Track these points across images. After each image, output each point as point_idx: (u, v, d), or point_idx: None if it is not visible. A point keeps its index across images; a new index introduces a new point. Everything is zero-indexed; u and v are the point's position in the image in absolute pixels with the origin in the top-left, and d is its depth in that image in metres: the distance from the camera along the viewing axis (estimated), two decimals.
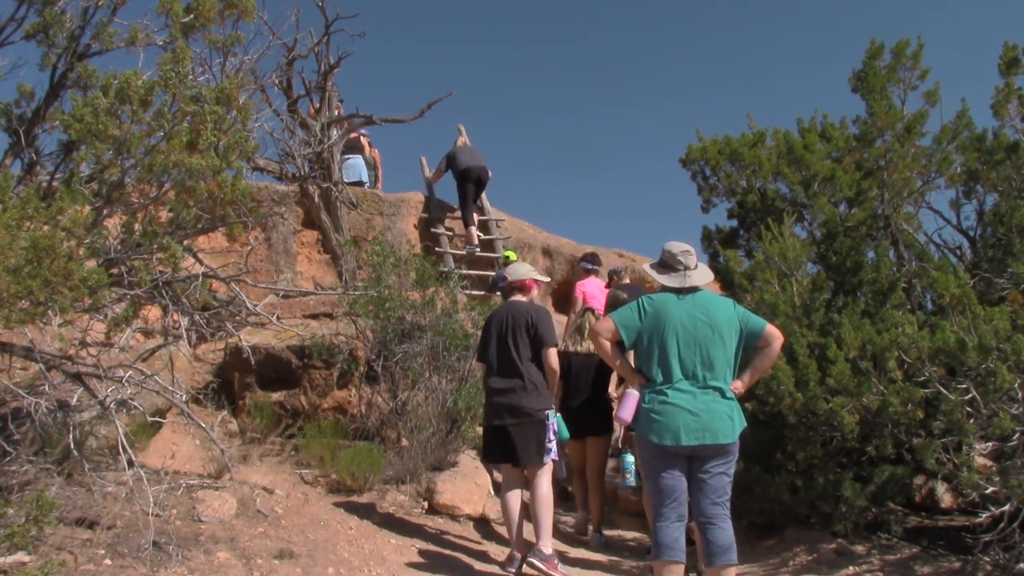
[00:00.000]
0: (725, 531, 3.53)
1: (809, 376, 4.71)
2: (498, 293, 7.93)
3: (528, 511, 4.58)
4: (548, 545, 4.40)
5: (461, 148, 9.31)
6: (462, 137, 9.54)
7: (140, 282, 3.87)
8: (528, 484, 4.54)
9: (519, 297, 4.85)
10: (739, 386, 3.77)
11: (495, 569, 4.54)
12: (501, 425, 4.50)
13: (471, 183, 9.10)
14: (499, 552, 4.87)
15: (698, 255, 4.18)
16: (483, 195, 9.64)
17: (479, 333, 5.82)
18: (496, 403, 4.55)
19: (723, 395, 3.63)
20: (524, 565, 4.37)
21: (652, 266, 4.00)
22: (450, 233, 9.27)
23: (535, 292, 4.94)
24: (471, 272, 8.55)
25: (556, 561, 4.39)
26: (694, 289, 3.80)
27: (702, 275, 3.84)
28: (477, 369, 5.81)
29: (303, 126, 8.46)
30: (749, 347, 3.79)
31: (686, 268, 3.81)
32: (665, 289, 3.82)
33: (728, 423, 3.58)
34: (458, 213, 9.36)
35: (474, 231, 9.13)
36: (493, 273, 8.70)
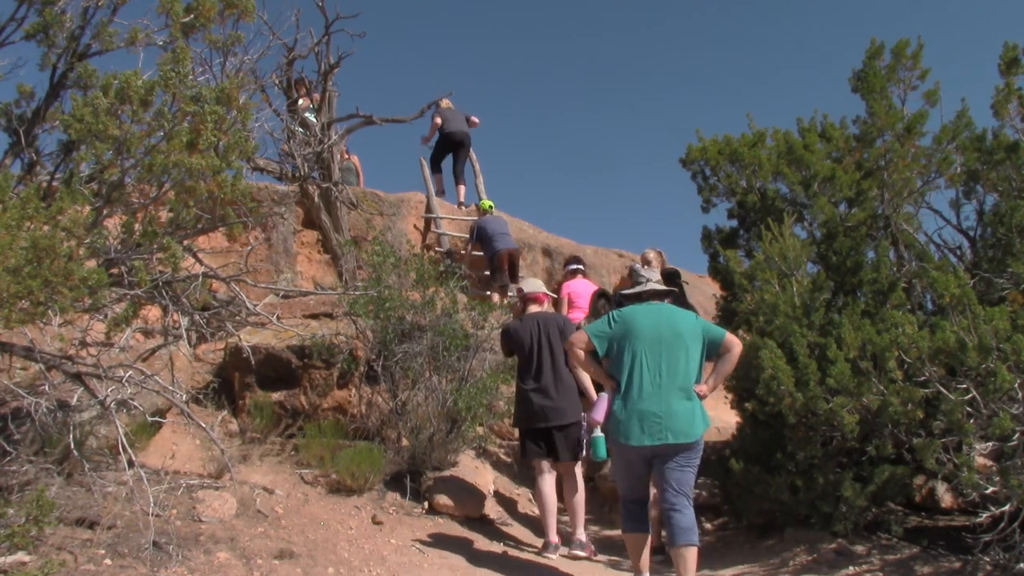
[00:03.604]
0: (687, 516, 3.86)
1: (809, 376, 4.71)
2: (475, 242, 8.49)
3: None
4: (583, 533, 4.96)
5: (446, 110, 9.69)
6: (445, 100, 9.80)
7: (140, 282, 3.87)
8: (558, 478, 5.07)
9: (535, 308, 5.37)
10: (704, 390, 4.06)
11: (495, 569, 4.54)
12: (546, 427, 4.98)
13: (452, 146, 9.68)
14: (499, 552, 4.88)
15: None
16: (480, 183, 9.96)
17: (478, 333, 5.87)
18: (541, 405, 4.99)
19: (686, 397, 3.94)
20: (562, 553, 4.87)
21: (626, 291, 4.47)
22: (450, 233, 9.28)
23: (547, 304, 5.50)
24: (472, 272, 8.55)
25: (592, 546, 4.97)
26: (655, 296, 4.27)
27: (657, 282, 4.34)
28: (477, 368, 5.84)
29: (303, 126, 8.46)
30: (712, 354, 4.13)
31: (647, 279, 4.33)
32: (632, 302, 4.27)
33: (689, 424, 3.89)
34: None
35: (462, 189, 9.74)
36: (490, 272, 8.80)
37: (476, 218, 8.88)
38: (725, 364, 4.11)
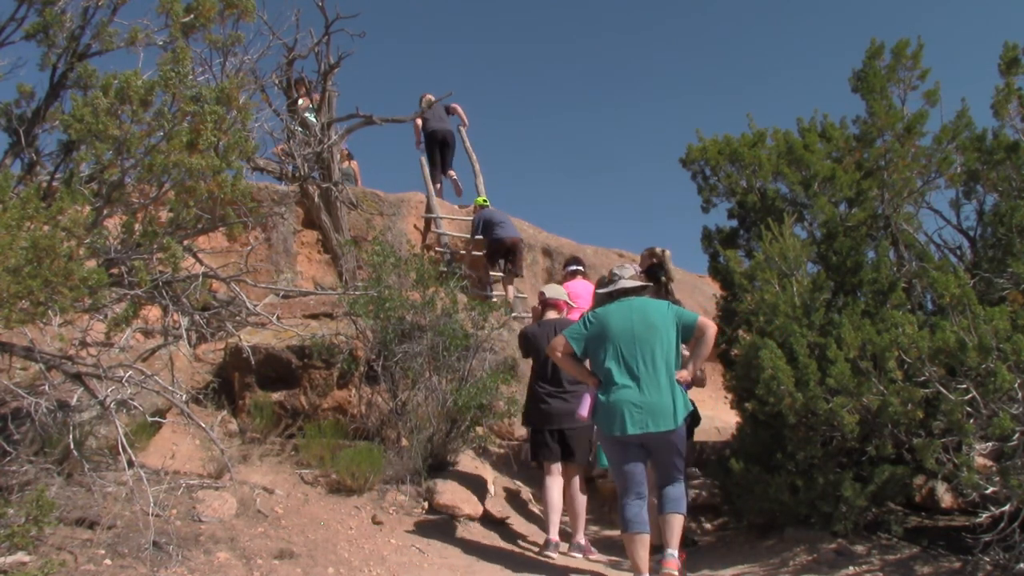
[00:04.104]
0: (676, 488, 4.17)
1: (809, 376, 4.70)
2: (478, 237, 8.67)
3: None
4: (583, 537, 5.07)
5: (428, 109, 9.84)
6: (427, 97, 9.89)
7: (140, 282, 3.87)
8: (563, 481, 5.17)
9: (553, 314, 5.57)
10: (685, 375, 4.26)
11: (495, 569, 4.55)
12: (559, 429, 5.12)
13: (437, 144, 9.85)
14: (499, 552, 4.88)
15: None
16: (479, 183, 10.10)
17: (478, 333, 5.89)
18: (554, 408, 5.15)
19: (666, 386, 4.14)
20: (561, 551, 4.96)
21: (600, 290, 4.71)
22: (450, 233, 9.29)
23: (565, 311, 5.68)
24: (472, 272, 8.56)
25: (592, 548, 5.06)
26: (626, 293, 4.44)
27: (631, 280, 4.54)
28: (477, 368, 5.84)
29: (303, 126, 8.45)
30: (687, 339, 4.32)
31: (620, 277, 4.54)
32: (606, 301, 4.48)
33: (670, 412, 4.09)
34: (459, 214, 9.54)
35: (454, 177, 9.97)
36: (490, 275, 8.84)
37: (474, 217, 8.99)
38: (702, 347, 4.28)
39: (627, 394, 4.12)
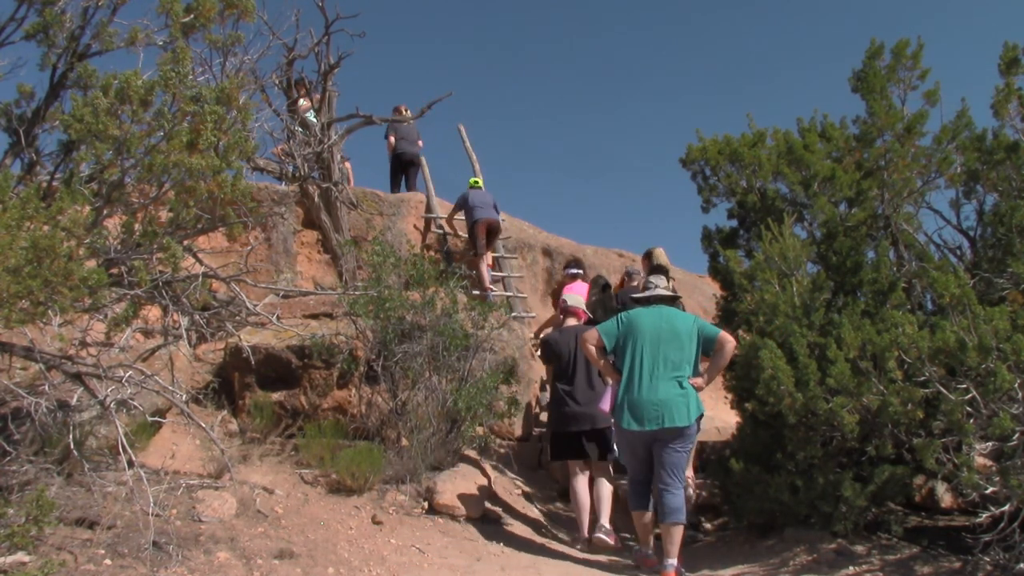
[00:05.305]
0: (676, 496, 4.43)
1: (809, 376, 4.71)
2: (459, 218, 8.86)
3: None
4: (608, 521, 5.24)
5: (401, 127, 9.89)
6: (407, 113, 9.91)
7: (140, 282, 3.87)
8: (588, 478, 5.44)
9: (572, 321, 5.85)
10: (700, 382, 4.60)
11: (495, 568, 4.54)
12: (579, 431, 5.38)
13: (403, 166, 10.00)
14: (498, 551, 4.88)
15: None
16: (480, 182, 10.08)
17: (478, 333, 5.91)
18: (574, 411, 5.40)
19: (681, 388, 4.48)
20: (591, 539, 5.20)
21: (635, 294, 5.12)
22: (451, 233, 9.29)
23: (584, 319, 5.93)
24: (471, 272, 8.57)
25: (615, 533, 5.21)
26: (660, 301, 4.83)
27: (663, 288, 4.93)
28: (477, 368, 5.86)
29: (303, 126, 8.45)
30: (708, 351, 4.66)
31: (656, 286, 4.94)
32: (638, 304, 4.90)
33: (684, 410, 4.43)
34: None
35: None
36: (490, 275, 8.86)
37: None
38: (720, 358, 4.64)
39: (647, 393, 4.47)
